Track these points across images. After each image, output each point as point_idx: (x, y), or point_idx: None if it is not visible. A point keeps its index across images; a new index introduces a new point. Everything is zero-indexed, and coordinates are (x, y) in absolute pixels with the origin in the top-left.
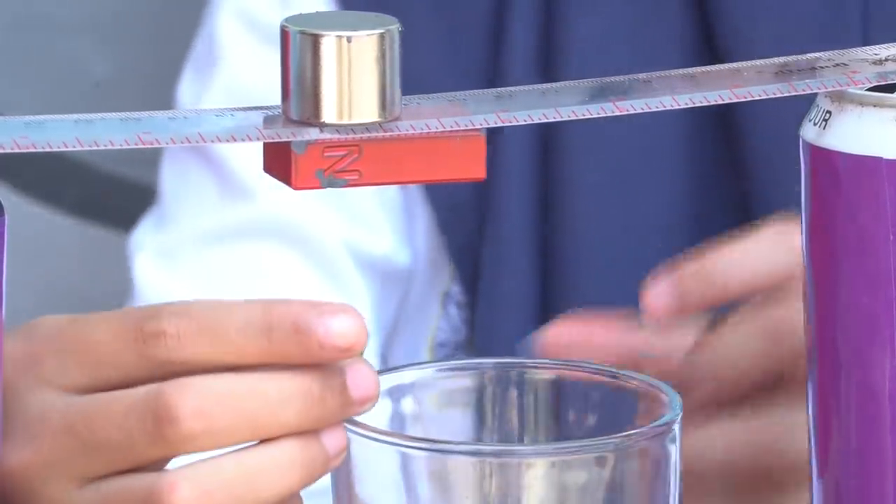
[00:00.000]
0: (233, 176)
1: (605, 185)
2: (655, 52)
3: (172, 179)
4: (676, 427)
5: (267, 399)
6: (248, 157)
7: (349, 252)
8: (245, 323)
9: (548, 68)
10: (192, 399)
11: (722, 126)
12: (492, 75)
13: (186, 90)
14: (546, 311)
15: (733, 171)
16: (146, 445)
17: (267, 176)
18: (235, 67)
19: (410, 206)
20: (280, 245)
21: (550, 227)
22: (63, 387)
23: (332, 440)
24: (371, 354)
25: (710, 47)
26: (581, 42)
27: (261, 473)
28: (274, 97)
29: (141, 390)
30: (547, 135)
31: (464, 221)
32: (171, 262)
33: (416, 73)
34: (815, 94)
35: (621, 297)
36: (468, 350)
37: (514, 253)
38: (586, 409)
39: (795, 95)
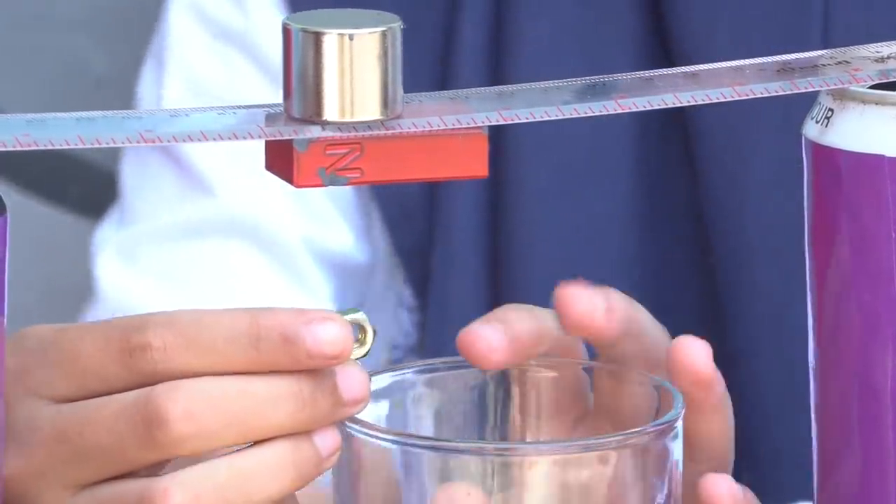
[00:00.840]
0: (193, 171)
1: (555, 187)
2: (606, 55)
3: (133, 175)
4: (678, 425)
5: (257, 401)
6: (209, 153)
7: (308, 248)
8: (232, 334)
9: (498, 70)
10: (182, 401)
11: (674, 128)
12: (442, 76)
13: (146, 84)
14: None
15: (686, 174)
16: (137, 449)
17: (226, 171)
18: (188, 60)
19: (367, 205)
20: (240, 242)
21: (500, 229)
22: (51, 397)
23: (324, 441)
24: None
25: (664, 49)
26: (530, 44)
27: (253, 476)
28: (228, 92)
29: (130, 395)
30: (497, 135)
31: (412, 221)
32: (133, 261)
33: None
34: (816, 96)
35: None
36: (419, 353)
37: (464, 255)
38: (588, 407)
39: (755, 102)
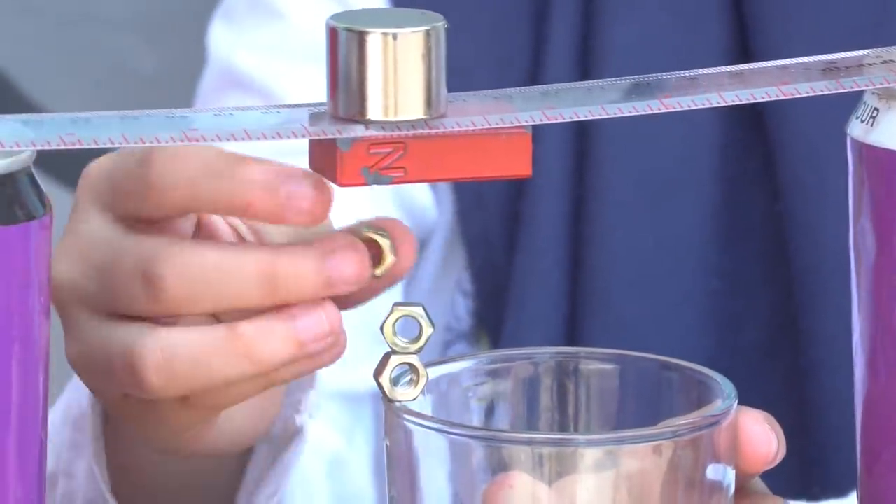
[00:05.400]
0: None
1: (638, 199)
2: (692, 59)
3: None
4: (731, 414)
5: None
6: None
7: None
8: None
9: (586, 73)
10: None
11: (756, 141)
12: (532, 78)
13: (221, 39)
14: (574, 323)
15: (766, 188)
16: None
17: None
18: (296, 23)
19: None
20: None
21: (583, 239)
22: (117, 215)
23: (305, 323)
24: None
25: (746, 54)
26: (619, 48)
27: (219, 353)
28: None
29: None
30: (581, 146)
31: (484, 210)
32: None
33: (457, 69)
34: (861, 95)
35: (650, 312)
36: (471, 342)
37: (545, 264)
38: (641, 398)
39: (835, 117)
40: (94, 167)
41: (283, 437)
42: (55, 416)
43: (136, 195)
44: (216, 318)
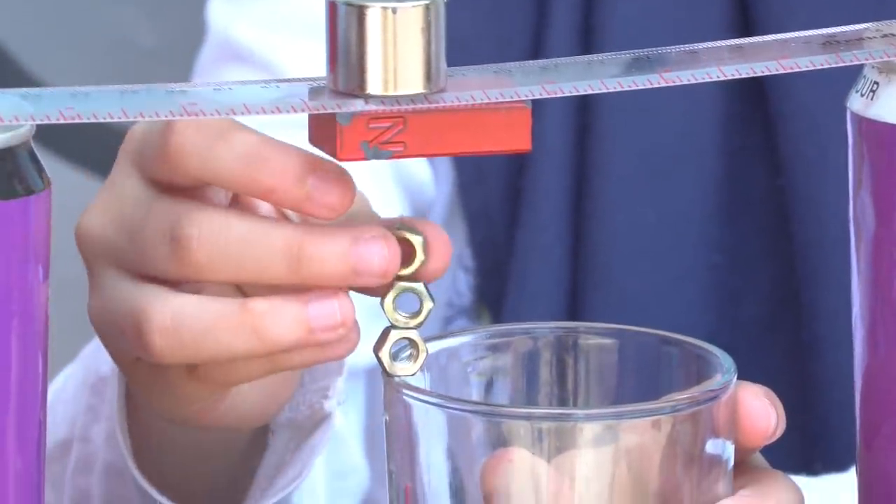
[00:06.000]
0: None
1: (640, 173)
2: (694, 35)
3: None
4: (731, 389)
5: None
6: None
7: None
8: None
9: (588, 48)
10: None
11: (757, 115)
12: (533, 53)
13: (220, 12)
14: (575, 298)
15: (767, 162)
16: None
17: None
18: None
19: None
20: None
21: (584, 214)
22: (148, 178)
23: (317, 310)
24: None
25: (748, 29)
26: (620, 24)
27: (224, 327)
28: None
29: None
30: (584, 121)
31: (485, 185)
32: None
33: (458, 42)
34: (861, 69)
35: (651, 287)
36: (472, 317)
37: (547, 239)
38: (641, 373)
39: (836, 91)
40: (136, 128)
41: (310, 423)
42: (67, 383)
43: (158, 158)
44: (242, 293)
